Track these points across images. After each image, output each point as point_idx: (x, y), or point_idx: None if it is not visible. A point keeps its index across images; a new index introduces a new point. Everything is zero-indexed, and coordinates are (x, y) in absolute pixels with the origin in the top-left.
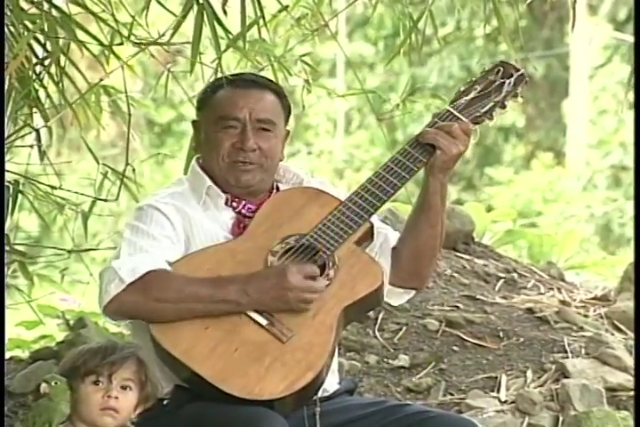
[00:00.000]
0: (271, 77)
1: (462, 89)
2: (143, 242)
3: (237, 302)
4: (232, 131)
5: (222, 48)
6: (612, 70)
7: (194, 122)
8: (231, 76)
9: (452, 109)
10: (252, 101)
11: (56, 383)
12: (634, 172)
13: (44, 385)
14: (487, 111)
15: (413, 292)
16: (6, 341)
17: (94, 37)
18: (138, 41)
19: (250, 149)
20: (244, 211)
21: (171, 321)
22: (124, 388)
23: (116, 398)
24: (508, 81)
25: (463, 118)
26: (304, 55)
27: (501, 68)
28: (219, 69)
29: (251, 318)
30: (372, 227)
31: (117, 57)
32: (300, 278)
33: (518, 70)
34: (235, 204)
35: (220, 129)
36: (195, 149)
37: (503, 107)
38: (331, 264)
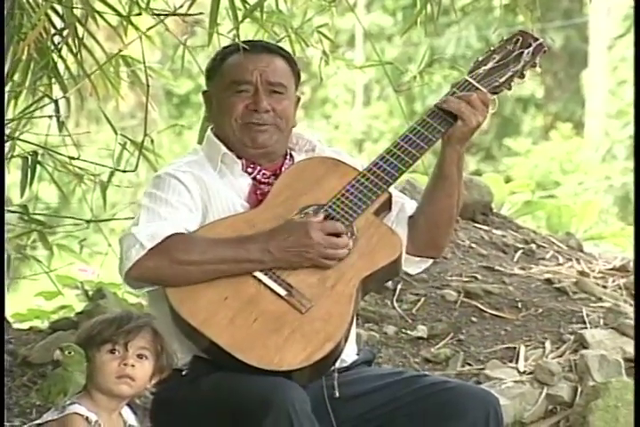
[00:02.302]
0: (288, 49)
1: (481, 59)
2: (161, 209)
3: (260, 261)
4: (245, 94)
5: (240, 19)
6: (631, 41)
7: (204, 92)
8: (241, 43)
9: (470, 79)
10: (263, 65)
11: (70, 353)
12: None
13: (57, 352)
14: (506, 81)
15: (430, 261)
16: (25, 311)
17: (112, 8)
18: (156, 12)
19: (263, 110)
20: (259, 176)
21: (194, 283)
22: (139, 356)
23: (133, 366)
24: (526, 51)
25: (482, 88)
26: (321, 26)
27: (520, 38)
28: (236, 40)
29: (270, 288)
30: (390, 197)
31: (136, 28)
32: (321, 235)
33: (537, 40)
34: (250, 169)
35: (232, 93)
36: (207, 119)
37: (522, 76)
38: (349, 235)
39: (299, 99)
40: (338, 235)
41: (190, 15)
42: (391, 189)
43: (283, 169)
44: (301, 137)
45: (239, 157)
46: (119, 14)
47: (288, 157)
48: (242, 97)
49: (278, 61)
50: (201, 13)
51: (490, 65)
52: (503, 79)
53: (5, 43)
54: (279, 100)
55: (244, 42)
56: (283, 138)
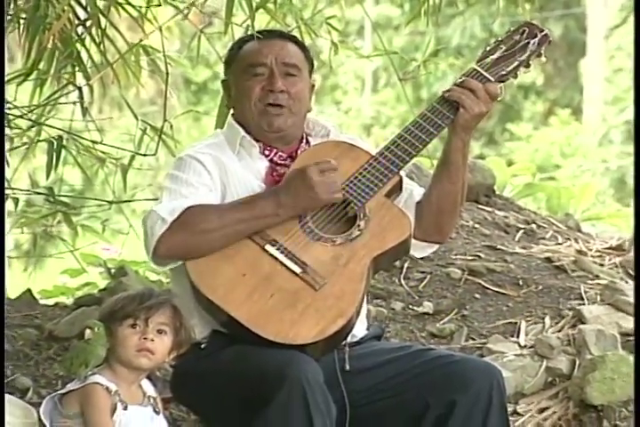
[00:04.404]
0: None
1: (488, 48)
2: (182, 189)
3: (276, 214)
4: (260, 77)
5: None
6: (627, 30)
7: (223, 81)
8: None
9: (478, 68)
10: (277, 48)
11: (98, 329)
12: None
13: (88, 331)
14: (512, 70)
15: (436, 246)
16: (51, 288)
17: (130, 4)
18: (174, 3)
19: (278, 89)
20: (275, 158)
21: (220, 248)
22: (159, 331)
23: (152, 340)
24: (532, 41)
25: (489, 77)
26: (330, 18)
27: (526, 29)
28: (250, 29)
29: (285, 266)
30: (400, 180)
31: (151, 21)
32: (319, 174)
33: (542, 31)
34: (267, 152)
35: (249, 77)
36: (227, 106)
37: (527, 66)
38: (362, 215)
39: (313, 86)
40: (334, 169)
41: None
42: (402, 174)
43: (299, 152)
44: (317, 123)
45: (257, 141)
46: (134, 7)
47: (304, 140)
48: (258, 80)
49: (291, 46)
50: None
51: (497, 55)
52: (510, 68)
53: (5, 31)
54: (293, 83)
55: (259, 31)
56: (298, 121)
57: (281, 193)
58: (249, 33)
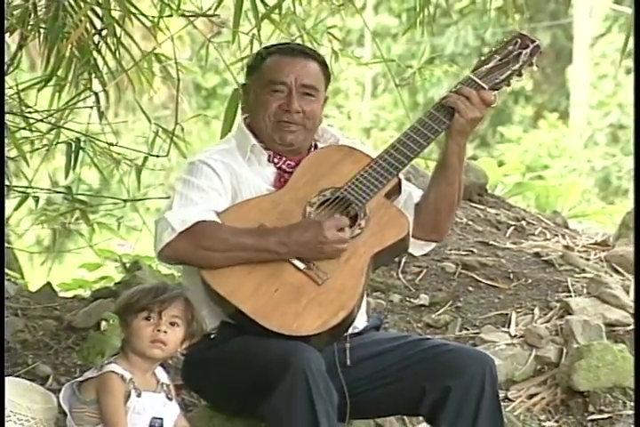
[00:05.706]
0: None
1: (483, 58)
2: (193, 194)
3: (277, 253)
4: (279, 94)
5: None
6: (611, 39)
7: (243, 85)
8: (280, 45)
9: (473, 77)
10: (298, 68)
11: (113, 321)
12: (633, 132)
13: (103, 323)
14: (505, 79)
15: (433, 244)
16: (69, 281)
17: (143, 14)
18: (185, 13)
19: (294, 110)
20: (284, 166)
21: (217, 267)
22: (172, 324)
23: (165, 332)
24: (524, 51)
25: (483, 84)
26: (331, 27)
27: (519, 40)
28: (255, 38)
29: (290, 262)
30: (399, 182)
31: (163, 31)
32: (334, 232)
33: (534, 42)
34: (276, 160)
35: (268, 92)
36: (242, 109)
37: (520, 75)
38: (362, 215)
39: (326, 98)
40: (344, 229)
41: (213, 16)
42: (400, 177)
43: None
44: (326, 131)
45: (266, 149)
46: (147, 17)
47: (313, 148)
48: (276, 96)
49: (313, 65)
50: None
51: (491, 64)
52: (503, 77)
53: (4, 36)
54: (309, 103)
55: (283, 44)
56: (309, 136)
57: (291, 236)
58: (256, 43)
